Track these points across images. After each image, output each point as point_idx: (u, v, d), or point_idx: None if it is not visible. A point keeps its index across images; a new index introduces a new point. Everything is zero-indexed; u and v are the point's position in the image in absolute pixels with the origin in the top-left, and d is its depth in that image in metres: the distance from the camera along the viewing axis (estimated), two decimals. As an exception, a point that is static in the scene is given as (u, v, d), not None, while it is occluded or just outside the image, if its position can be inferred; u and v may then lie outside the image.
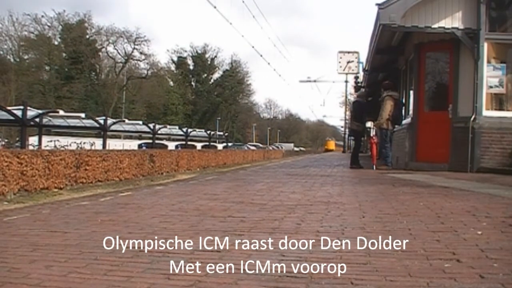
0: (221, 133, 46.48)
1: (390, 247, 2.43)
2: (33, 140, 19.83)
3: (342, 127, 48.78)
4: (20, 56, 51.53)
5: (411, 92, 10.05)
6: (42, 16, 52.83)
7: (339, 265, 2.10)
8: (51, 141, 16.58)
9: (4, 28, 49.43)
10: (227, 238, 2.69)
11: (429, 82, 9.82)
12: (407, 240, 2.59)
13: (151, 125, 25.26)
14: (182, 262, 2.17)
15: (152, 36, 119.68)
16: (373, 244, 2.51)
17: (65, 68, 54.51)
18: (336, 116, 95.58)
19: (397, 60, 12.23)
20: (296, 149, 58.43)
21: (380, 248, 2.43)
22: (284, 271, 2.01)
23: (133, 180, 8.53)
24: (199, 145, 34.48)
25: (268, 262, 2.16)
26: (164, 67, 69.20)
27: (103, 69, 60.42)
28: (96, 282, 1.88)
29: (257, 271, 2.01)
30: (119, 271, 2.04)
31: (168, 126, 31.99)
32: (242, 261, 2.18)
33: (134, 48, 58.98)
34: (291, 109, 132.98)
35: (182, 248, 2.45)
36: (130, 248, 2.45)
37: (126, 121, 28.59)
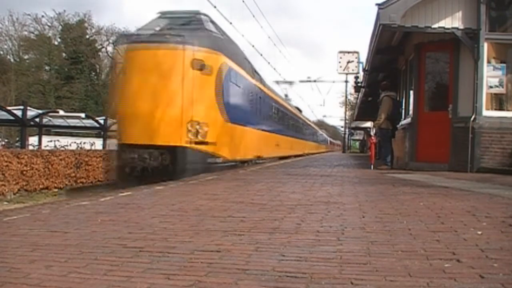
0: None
1: (390, 247, 2.43)
2: (33, 140, 19.85)
3: (342, 127, 48.61)
4: (20, 56, 51.54)
5: (411, 92, 10.04)
6: (42, 16, 52.83)
7: (339, 265, 2.10)
8: (51, 141, 16.62)
9: (4, 28, 49.45)
10: (227, 238, 2.69)
11: (429, 82, 9.82)
12: (407, 240, 2.60)
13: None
14: (182, 262, 2.17)
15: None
16: (373, 244, 2.51)
17: (65, 68, 54.48)
18: (336, 116, 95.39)
19: (397, 60, 12.22)
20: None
21: (380, 248, 2.43)
22: (284, 271, 2.01)
23: (133, 180, 8.50)
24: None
25: (268, 262, 2.16)
26: (164, 67, 69.00)
27: (103, 69, 60.37)
28: (96, 282, 1.88)
29: (257, 271, 2.01)
30: (119, 271, 2.03)
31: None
32: (242, 261, 2.18)
33: (134, 48, 58.87)
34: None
35: (182, 248, 2.45)
36: (130, 248, 2.45)
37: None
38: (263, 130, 13.87)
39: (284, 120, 19.74)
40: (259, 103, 13.33)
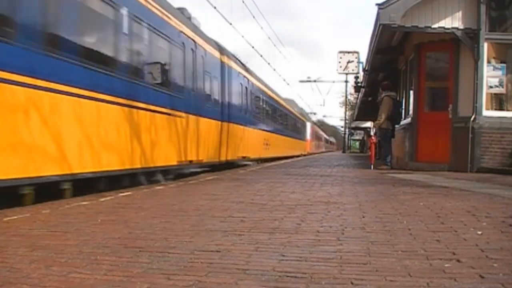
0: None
1: (390, 247, 2.43)
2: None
3: (342, 127, 48.55)
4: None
5: (411, 92, 10.05)
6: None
7: (339, 265, 2.10)
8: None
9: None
10: (227, 238, 2.69)
11: (429, 82, 9.82)
12: (407, 240, 2.60)
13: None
14: (182, 262, 2.17)
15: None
16: (373, 244, 2.51)
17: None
18: (336, 116, 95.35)
19: (397, 60, 12.23)
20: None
21: (380, 248, 2.43)
22: (284, 271, 2.01)
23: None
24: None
25: (268, 262, 2.16)
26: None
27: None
28: (96, 282, 1.88)
29: (257, 271, 2.01)
30: (119, 271, 2.03)
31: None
32: (242, 261, 2.18)
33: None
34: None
35: (182, 248, 2.45)
36: (130, 248, 2.45)
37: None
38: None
39: None
40: None
